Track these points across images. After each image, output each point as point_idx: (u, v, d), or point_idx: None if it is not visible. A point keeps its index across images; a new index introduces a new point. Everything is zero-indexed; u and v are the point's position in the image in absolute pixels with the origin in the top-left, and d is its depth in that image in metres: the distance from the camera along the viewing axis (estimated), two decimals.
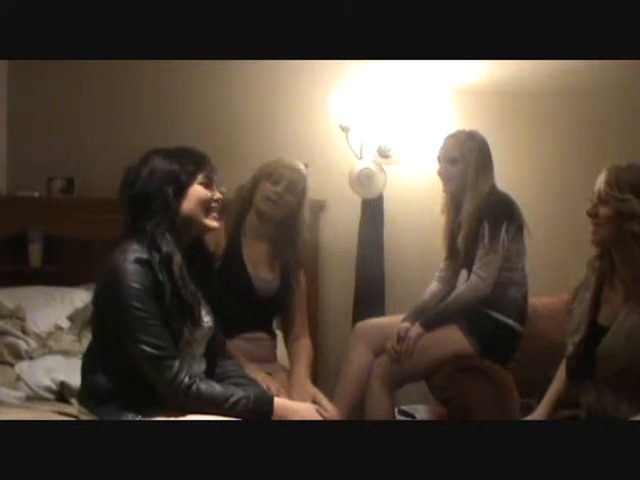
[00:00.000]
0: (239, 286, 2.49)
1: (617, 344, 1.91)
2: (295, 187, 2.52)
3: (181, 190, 1.95)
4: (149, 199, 1.92)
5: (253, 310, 2.53)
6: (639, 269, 1.91)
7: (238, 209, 2.57)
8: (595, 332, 1.97)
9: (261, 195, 2.51)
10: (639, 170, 1.94)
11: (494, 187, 2.76)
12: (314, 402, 2.27)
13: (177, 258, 1.92)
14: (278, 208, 2.51)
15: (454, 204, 2.80)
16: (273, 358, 2.62)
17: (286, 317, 2.64)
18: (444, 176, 2.80)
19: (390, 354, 2.68)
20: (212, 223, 2.01)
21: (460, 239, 2.73)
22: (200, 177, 1.98)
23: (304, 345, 2.58)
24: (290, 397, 2.29)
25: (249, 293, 2.51)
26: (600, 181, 1.96)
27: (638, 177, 1.93)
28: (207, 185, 1.99)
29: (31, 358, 2.75)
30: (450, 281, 2.87)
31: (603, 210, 1.94)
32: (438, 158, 2.82)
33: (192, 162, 1.98)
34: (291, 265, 2.59)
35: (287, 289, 2.59)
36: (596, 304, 2.01)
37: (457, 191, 2.78)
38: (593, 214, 1.97)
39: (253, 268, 2.53)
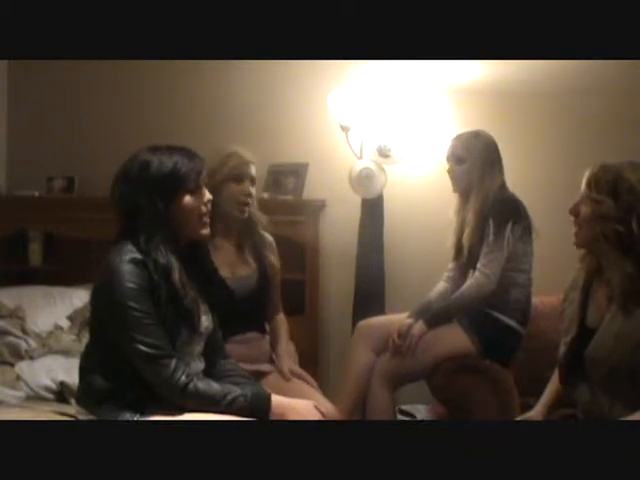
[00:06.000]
0: (215, 293, 2.37)
1: (605, 347, 1.90)
2: (255, 179, 2.51)
3: (170, 204, 1.91)
4: (139, 212, 1.90)
5: (239, 311, 2.43)
6: (619, 271, 1.88)
7: None
8: (584, 333, 1.97)
9: (230, 199, 2.45)
10: (619, 170, 1.90)
11: (503, 186, 2.76)
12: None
13: (176, 267, 1.91)
14: (250, 208, 2.49)
15: (464, 205, 2.80)
16: (267, 357, 2.58)
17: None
18: (452, 176, 2.80)
19: (391, 349, 2.68)
20: (203, 231, 1.99)
21: (465, 236, 2.73)
22: (188, 185, 1.93)
23: (281, 320, 2.67)
24: (278, 367, 2.49)
25: (228, 297, 2.38)
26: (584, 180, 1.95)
27: (617, 176, 1.89)
28: (196, 191, 1.95)
29: (31, 358, 2.75)
30: (458, 282, 2.85)
31: (583, 210, 1.93)
32: (447, 158, 2.82)
33: (179, 171, 1.91)
34: (262, 251, 2.56)
35: (265, 277, 2.57)
36: (584, 304, 2.00)
37: (466, 190, 2.77)
38: (574, 213, 1.95)
39: (228, 271, 2.46)
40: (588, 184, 1.92)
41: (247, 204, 2.49)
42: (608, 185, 1.89)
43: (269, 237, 2.62)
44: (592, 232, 1.92)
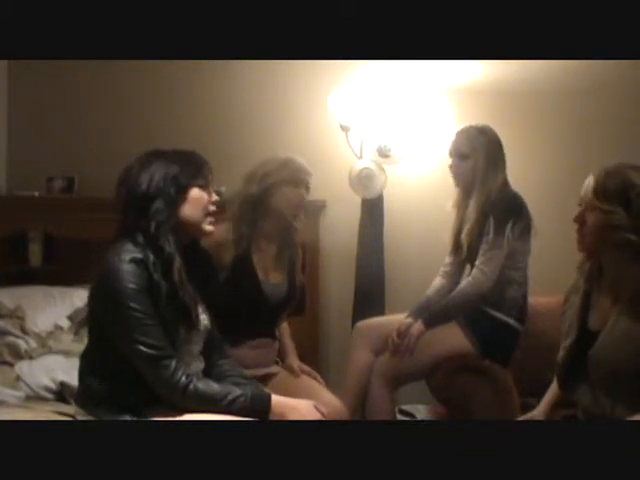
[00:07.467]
0: (250, 295, 2.47)
1: (608, 350, 1.89)
2: (309, 189, 2.57)
3: (182, 192, 1.95)
4: (150, 199, 1.92)
5: (263, 317, 2.51)
6: (626, 275, 1.88)
7: (249, 216, 2.50)
8: (585, 336, 1.96)
9: (284, 201, 2.49)
10: (625, 174, 1.87)
11: (505, 184, 2.74)
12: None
13: (178, 260, 1.92)
14: (303, 211, 2.54)
15: (465, 200, 2.79)
16: (274, 360, 2.61)
17: None
18: (454, 171, 2.79)
19: (391, 349, 2.68)
20: (209, 228, 2.02)
21: (464, 233, 2.73)
22: (199, 180, 1.99)
23: (286, 325, 2.71)
24: (288, 365, 2.56)
25: (260, 301, 2.48)
26: (586, 187, 1.91)
27: (624, 182, 1.85)
28: (205, 188, 2.00)
29: (31, 358, 2.75)
30: (454, 277, 2.86)
31: (590, 219, 1.89)
32: (449, 152, 2.81)
33: (191, 164, 1.99)
34: (295, 262, 2.61)
35: (293, 288, 2.60)
36: (585, 308, 1.99)
37: (468, 186, 2.76)
38: (580, 222, 1.92)
39: (264, 274, 2.51)
40: (595, 193, 1.88)
41: (302, 207, 2.54)
42: (617, 193, 1.85)
43: (300, 251, 2.68)
44: (600, 241, 1.90)
